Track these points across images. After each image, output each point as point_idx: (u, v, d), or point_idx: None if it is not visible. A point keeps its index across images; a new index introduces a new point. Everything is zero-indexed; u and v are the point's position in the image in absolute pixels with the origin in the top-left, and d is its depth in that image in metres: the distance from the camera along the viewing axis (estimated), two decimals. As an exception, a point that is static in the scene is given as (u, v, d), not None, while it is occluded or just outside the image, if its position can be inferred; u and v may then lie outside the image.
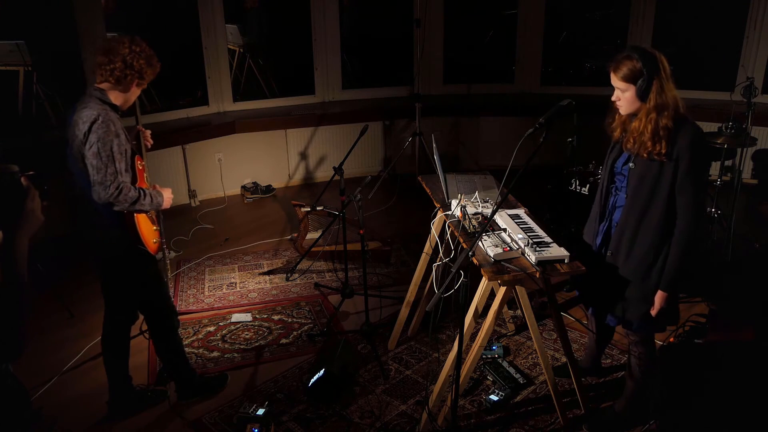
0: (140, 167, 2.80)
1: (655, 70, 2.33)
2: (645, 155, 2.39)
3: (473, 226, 2.74)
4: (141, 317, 3.05)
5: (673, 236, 2.44)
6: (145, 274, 2.87)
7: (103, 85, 2.66)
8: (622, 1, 6.27)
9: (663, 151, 2.35)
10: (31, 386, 3.18)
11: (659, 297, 2.51)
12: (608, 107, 2.55)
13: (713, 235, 4.36)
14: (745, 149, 4.26)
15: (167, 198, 2.85)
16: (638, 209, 2.47)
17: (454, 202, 2.96)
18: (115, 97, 2.68)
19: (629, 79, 2.36)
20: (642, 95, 2.36)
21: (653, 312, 2.54)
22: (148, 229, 2.80)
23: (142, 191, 2.67)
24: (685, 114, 2.38)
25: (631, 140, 2.45)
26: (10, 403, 2.36)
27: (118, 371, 3.02)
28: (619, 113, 2.51)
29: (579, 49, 7.24)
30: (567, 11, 6.94)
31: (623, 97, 2.42)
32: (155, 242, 2.86)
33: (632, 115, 2.46)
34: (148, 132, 3.11)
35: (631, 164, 2.49)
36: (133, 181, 2.73)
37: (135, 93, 2.75)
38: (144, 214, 2.77)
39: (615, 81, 2.42)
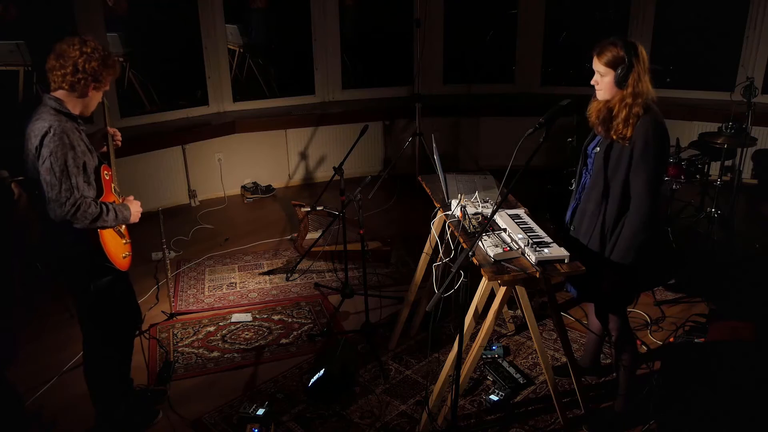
0: (107, 177, 2.61)
1: (636, 60, 2.44)
2: (613, 137, 2.51)
3: (473, 226, 2.75)
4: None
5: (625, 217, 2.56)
6: (109, 293, 2.66)
7: (58, 93, 2.47)
8: (622, 1, 6.27)
9: (628, 136, 2.47)
10: (31, 386, 3.18)
11: (608, 272, 2.61)
12: (591, 96, 2.67)
13: (713, 235, 4.36)
14: (745, 149, 4.27)
15: (135, 212, 2.68)
16: (598, 190, 2.59)
17: (454, 202, 2.96)
18: (73, 105, 2.49)
19: (611, 64, 2.47)
20: (620, 82, 2.47)
21: (604, 285, 2.64)
22: (115, 244, 2.62)
23: (104, 206, 2.49)
24: (651, 105, 2.50)
25: (602, 125, 2.57)
26: (3, 407, 2.32)
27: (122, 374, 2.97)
28: (597, 100, 2.62)
29: (579, 49, 7.23)
30: (567, 11, 6.93)
31: (602, 81, 2.52)
32: (125, 256, 2.68)
33: (608, 102, 2.56)
34: (118, 133, 2.85)
35: (597, 148, 2.62)
36: (99, 194, 2.56)
37: (95, 97, 2.56)
38: (110, 229, 2.59)
39: (597, 65, 2.52)
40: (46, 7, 5.19)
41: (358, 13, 7.25)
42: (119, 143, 2.85)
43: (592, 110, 2.65)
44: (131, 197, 2.79)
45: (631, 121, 2.46)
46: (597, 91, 2.58)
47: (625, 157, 2.50)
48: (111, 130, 2.81)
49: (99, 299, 2.64)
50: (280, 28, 7.30)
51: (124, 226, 2.74)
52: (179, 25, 6.13)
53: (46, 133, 2.37)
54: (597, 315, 2.98)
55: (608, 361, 3.35)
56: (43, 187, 2.39)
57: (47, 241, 2.57)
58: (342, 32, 6.36)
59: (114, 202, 2.63)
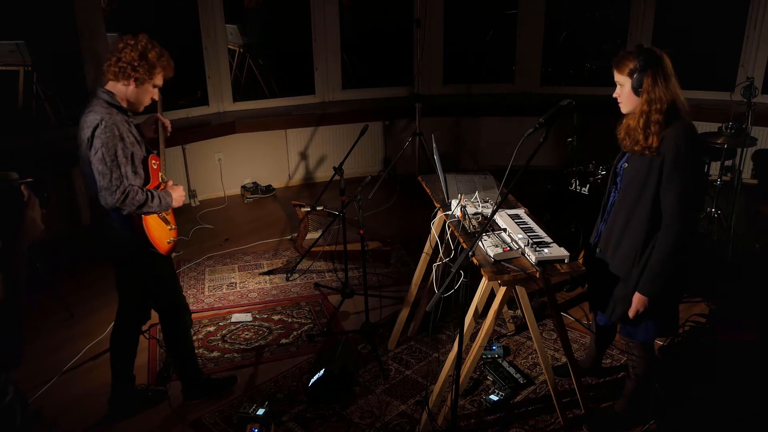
0: (154, 166, 2.75)
1: (651, 66, 2.36)
2: (637, 150, 2.42)
3: (473, 226, 2.74)
4: (151, 317, 3.04)
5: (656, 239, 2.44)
6: (156, 275, 2.85)
7: (108, 85, 2.64)
8: (622, 1, 6.27)
9: (654, 146, 2.36)
10: (31, 386, 3.18)
11: (636, 299, 2.50)
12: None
13: (713, 235, 4.36)
14: (745, 149, 4.26)
15: (177, 197, 2.82)
16: (626, 208, 2.50)
17: (454, 202, 2.95)
18: (122, 98, 2.65)
19: (627, 73, 2.42)
20: (636, 89, 2.40)
21: (630, 313, 2.53)
22: (159, 230, 2.76)
23: (149, 194, 2.64)
24: (682, 114, 2.40)
25: (627, 138, 2.49)
26: (9, 408, 2.35)
27: (123, 369, 3.02)
28: (626, 118, 2.53)
29: (579, 49, 7.24)
30: (567, 11, 6.94)
31: (622, 92, 2.47)
32: (169, 242, 2.83)
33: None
34: (168, 121, 3.01)
35: (625, 164, 2.53)
36: (146, 182, 2.70)
37: (144, 92, 2.68)
38: (155, 215, 2.73)
39: (617, 76, 2.47)
40: (46, 7, 5.19)
41: (358, 13, 7.25)
42: (169, 131, 3.01)
43: (622, 129, 2.54)
44: (170, 182, 2.89)
45: (652, 129, 2.35)
46: (619, 104, 2.51)
47: (654, 171, 2.37)
48: (162, 119, 2.96)
49: (141, 281, 2.83)
50: (279, 29, 7.30)
51: (170, 214, 2.88)
52: (179, 25, 6.13)
53: (97, 126, 2.51)
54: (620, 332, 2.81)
55: (608, 361, 3.35)
56: (95, 176, 2.54)
57: (98, 224, 2.75)
58: (342, 32, 6.36)
59: (159, 187, 2.77)
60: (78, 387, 3.26)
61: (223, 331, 3.75)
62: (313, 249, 4.52)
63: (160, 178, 2.81)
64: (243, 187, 6.06)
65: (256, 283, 4.34)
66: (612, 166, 2.67)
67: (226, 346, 3.61)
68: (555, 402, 2.82)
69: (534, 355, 3.42)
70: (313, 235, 4.65)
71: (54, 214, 4.88)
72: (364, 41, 7.34)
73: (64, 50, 5.30)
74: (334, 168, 3.88)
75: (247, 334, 3.72)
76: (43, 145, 4.94)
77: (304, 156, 6.25)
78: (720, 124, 4.43)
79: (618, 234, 2.54)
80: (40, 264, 3.84)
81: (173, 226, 2.89)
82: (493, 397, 3.06)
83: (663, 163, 2.35)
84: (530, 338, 3.52)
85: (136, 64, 2.60)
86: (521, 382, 3.19)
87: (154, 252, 2.75)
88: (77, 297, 4.08)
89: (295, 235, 4.89)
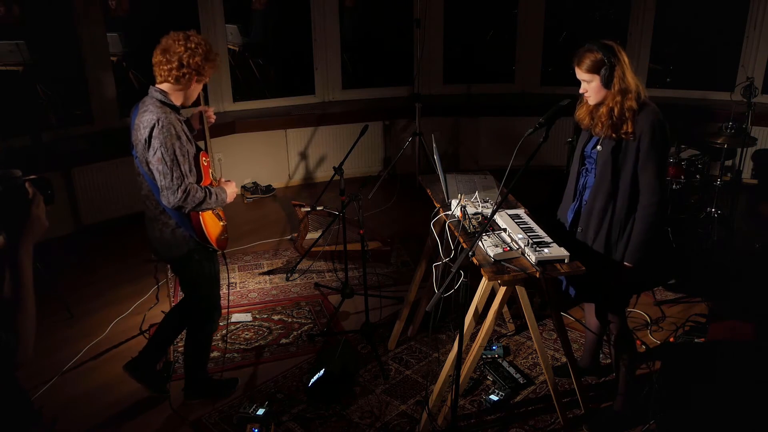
0: (205, 164, 2.78)
1: (615, 59, 2.48)
2: (613, 135, 2.54)
3: (473, 226, 2.75)
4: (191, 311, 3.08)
5: (636, 212, 2.59)
6: (208, 272, 2.87)
7: (164, 86, 2.63)
8: (622, 1, 6.27)
9: (629, 131, 2.50)
10: (31, 386, 3.18)
11: (622, 268, 2.63)
12: (578, 100, 2.69)
13: (713, 235, 4.36)
14: (745, 149, 4.27)
15: (230, 193, 2.84)
16: (605, 188, 2.60)
17: (454, 202, 2.96)
18: (176, 97, 2.66)
19: (592, 69, 2.52)
20: (606, 83, 2.51)
21: (619, 282, 2.66)
22: (214, 226, 2.80)
23: (207, 190, 2.67)
24: (645, 100, 2.54)
25: (600, 125, 2.59)
26: (11, 406, 2.35)
27: (154, 342, 3.07)
28: (587, 104, 2.65)
29: (579, 49, 7.23)
30: (567, 11, 6.93)
31: (590, 87, 2.56)
32: (223, 238, 2.87)
33: (599, 104, 2.59)
34: (211, 110, 3.03)
35: (599, 147, 2.63)
36: (198, 179, 2.71)
37: (196, 89, 2.73)
38: (210, 211, 2.77)
39: (580, 74, 2.57)
40: (46, 7, 5.19)
41: (358, 13, 7.25)
42: (212, 119, 3.04)
43: (584, 114, 2.68)
44: (222, 179, 2.92)
45: (627, 115, 2.49)
46: (587, 98, 2.61)
47: (631, 152, 2.52)
48: (204, 108, 2.97)
49: (199, 277, 2.85)
50: (280, 28, 7.30)
51: (220, 209, 2.90)
52: (179, 25, 6.13)
53: (154, 126, 2.52)
54: (597, 315, 2.98)
55: (608, 361, 3.35)
56: (155, 176, 2.57)
57: (152, 224, 2.74)
58: (342, 32, 6.36)
59: (211, 184, 2.79)
60: (78, 387, 3.26)
61: (223, 331, 3.75)
62: (313, 249, 4.52)
63: (211, 175, 2.82)
64: (243, 187, 6.06)
65: (256, 283, 4.34)
66: (577, 149, 2.77)
67: (226, 346, 3.61)
68: (555, 402, 2.82)
69: (534, 355, 3.42)
70: (313, 235, 4.65)
71: (54, 214, 4.88)
72: (364, 41, 7.34)
73: (64, 50, 5.30)
74: (334, 168, 3.87)
75: (247, 334, 3.72)
76: (43, 145, 4.94)
77: (304, 156, 6.24)
78: (720, 124, 4.43)
79: (599, 213, 2.63)
80: (40, 264, 3.84)
81: (224, 222, 2.92)
82: (493, 397, 3.06)
83: (639, 144, 2.50)
84: (530, 338, 3.52)
85: (201, 68, 2.62)
86: (521, 382, 3.19)
87: (210, 248, 2.78)
88: (77, 297, 4.08)
89: (295, 235, 4.89)
